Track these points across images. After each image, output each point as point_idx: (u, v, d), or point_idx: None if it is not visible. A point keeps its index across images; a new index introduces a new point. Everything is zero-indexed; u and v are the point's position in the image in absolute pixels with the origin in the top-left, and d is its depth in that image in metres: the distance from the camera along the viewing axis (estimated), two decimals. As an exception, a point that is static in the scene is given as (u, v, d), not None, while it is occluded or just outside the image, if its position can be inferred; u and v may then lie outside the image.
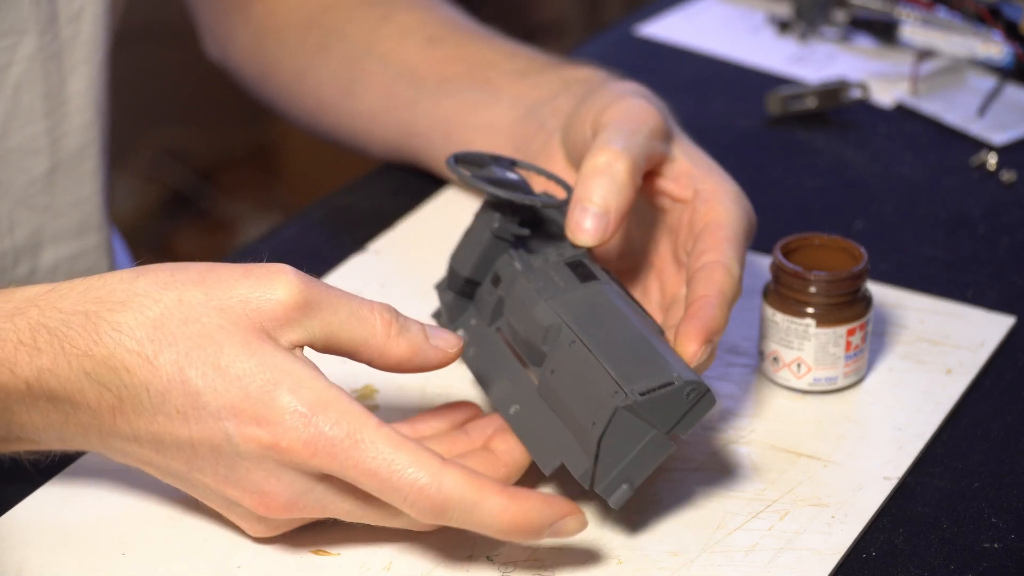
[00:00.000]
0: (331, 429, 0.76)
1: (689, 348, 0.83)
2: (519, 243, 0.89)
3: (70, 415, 0.78)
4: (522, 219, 0.89)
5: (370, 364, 0.81)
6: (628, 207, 0.87)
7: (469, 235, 0.89)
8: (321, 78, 1.14)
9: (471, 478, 0.76)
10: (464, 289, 0.90)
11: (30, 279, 1.04)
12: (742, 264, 0.87)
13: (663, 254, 0.93)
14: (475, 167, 0.89)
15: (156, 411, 0.77)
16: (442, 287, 0.91)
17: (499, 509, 0.76)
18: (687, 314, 0.84)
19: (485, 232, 0.88)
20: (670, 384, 0.78)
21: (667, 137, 0.91)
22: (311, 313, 0.78)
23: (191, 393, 0.76)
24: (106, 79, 1.06)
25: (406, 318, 0.81)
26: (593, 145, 0.89)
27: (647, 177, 0.91)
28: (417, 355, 0.80)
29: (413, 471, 0.75)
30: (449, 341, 0.81)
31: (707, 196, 0.89)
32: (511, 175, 0.89)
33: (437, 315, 0.92)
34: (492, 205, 0.88)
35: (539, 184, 0.96)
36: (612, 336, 0.81)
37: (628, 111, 0.91)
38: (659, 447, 0.79)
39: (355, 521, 0.80)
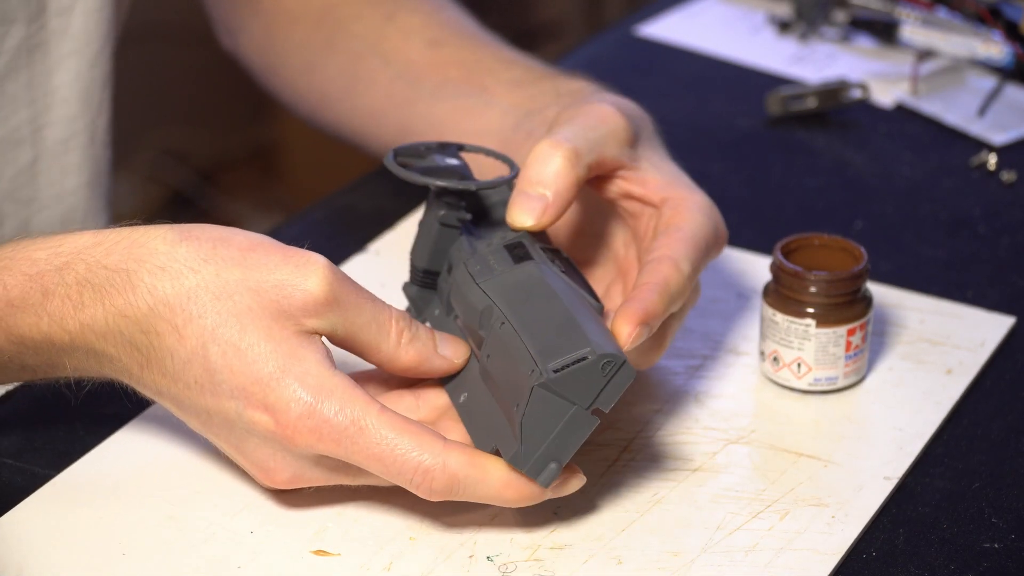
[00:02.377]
0: (335, 416, 0.79)
1: (624, 330, 0.83)
2: (470, 229, 0.89)
3: (105, 364, 0.83)
4: (468, 204, 0.89)
5: (379, 366, 0.85)
6: (568, 195, 0.87)
7: (421, 227, 0.90)
8: (327, 73, 1.15)
9: (473, 455, 0.80)
10: (425, 281, 0.90)
11: None
12: (696, 266, 0.88)
13: (630, 258, 0.93)
14: (416, 158, 0.90)
15: (177, 377, 0.81)
16: (407, 284, 0.92)
17: (502, 483, 0.80)
18: (626, 299, 0.85)
19: (434, 222, 0.89)
20: (583, 359, 0.78)
21: (629, 144, 0.91)
22: (337, 310, 0.81)
23: (210, 369, 0.80)
24: (103, 74, 1.07)
25: (418, 326, 0.84)
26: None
27: (609, 180, 0.91)
28: (423, 364, 0.84)
29: (417, 454, 0.79)
30: (456, 350, 0.85)
31: (675, 203, 0.90)
32: (452, 161, 0.90)
33: (407, 311, 0.92)
34: (436, 194, 0.89)
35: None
36: (538, 314, 0.81)
37: (586, 112, 0.91)
38: (582, 423, 0.79)
39: (360, 484, 0.83)
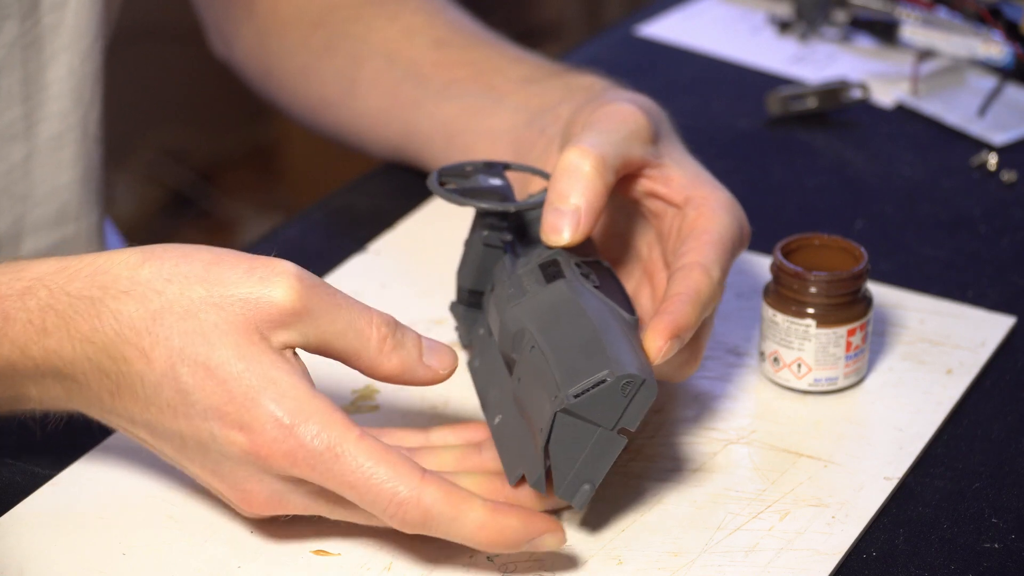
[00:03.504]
0: (312, 440, 0.77)
1: (655, 344, 0.82)
2: (512, 248, 0.89)
3: (73, 391, 0.80)
4: (510, 224, 0.89)
5: (362, 373, 0.81)
6: (599, 204, 0.87)
7: (467, 247, 0.90)
8: (325, 76, 1.14)
9: (451, 492, 0.77)
10: (471, 300, 0.91)
11: None
12: (724, 269, 0.87)
13: (655, 258, 0.93)
14: (460, 178, 0.90)
15: (149, 402, 0.78)
16: (453, 304, 0.92)
17: (476, 525, 0.77)
18: (658, 311, 0.84)
19: (478, 243, 0.89)
20: (603, 382, 0.78)
21: (652, 141, 0.91)
22: (307, 319, 0.79)
23: (181, 391, 0.78)
24: (94, 69, 1.06)
25: (404, 332, 0.81)
26: (566, 145, 0.89)
27: (633, 180, 0.91)
28: (407, 372, 0.81)
29: (392, 484, 0.76)
30: (443, 361, 0.82)
31: (698, 203, 0.89)
32: (495, 181, 0.90)
33: (457, 330, 0.93)
34: (479, 215, 0.89)
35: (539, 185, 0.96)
36: (566, 336, 0.81)
37: (608, 113, 0.90)
38: (610, 444, 0.79)
39: (338, 519, 0.80)
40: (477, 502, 0.77)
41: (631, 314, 0.84)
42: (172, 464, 0.82)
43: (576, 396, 0.78)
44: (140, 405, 0.79)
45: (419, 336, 0.82)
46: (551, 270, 0.86)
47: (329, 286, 0.80)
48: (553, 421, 0.78)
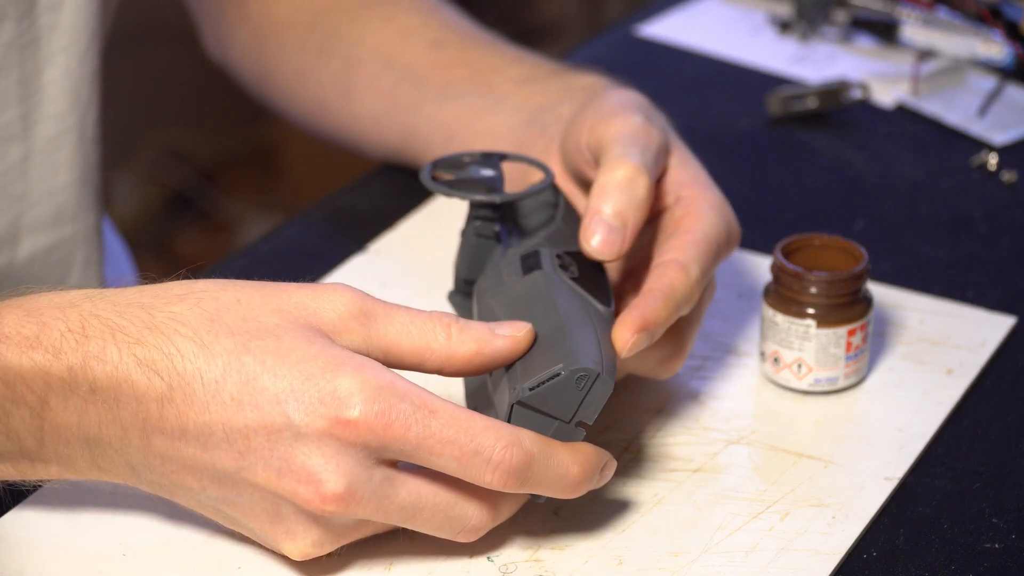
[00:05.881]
0: (402, 402, 0.75)
1: (622, 337, 0.82)
2: (505, 239, 0.89)
3: (111, 410, 0.76)
4: (503, 215, 0.90)
5: (438, 371, 0.80)
6: (643, 224, 0.87)
7: (462, 237, 0.90)
8: (322, 79, 1.14)
9: (536, 432, 0.78)
10: (467, 290, 0.91)
11: (7, 271, 1.05)
12: (705, 268, 0.87)
13: (645, 261, 0.93)
14: (454, 169, 0.90)
15: (209, 400, 0.75)
16: (451, 293, 0.92)
17: (569, 459, 0.78)
18: (630, 305, 0.84)
19: (470, 234, 0.89)
20: (557, 375, 0.78)
21: (668, 153, 0.91)
22: (368, 323, 0.78)
23: (248, 379, 0.75)
24: (91, 70, 1.06)
25: (465, 319, 0.80)
26: (609, 157, 0.88)
27: None
28: (485, 348, 0.79)
29: (492, 432, 0.76)
30: (514, 327, 0.80)
31: (687, 202, 0.89)
32: (487, 171, 0.90)
33: None
34: (471, 206, 0.89)
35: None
36: (536, 329, 0.81)
37: (636, 129, 0.90)
38: (567, 437, 0.79)
39: (405, 524, 0.78)
40: (554, 439, 0.78)
41: (607, 307, 0.85)
42: (214, 510, 0.78)
43: (531, 389, 0.78)
44: (197, 407, 0.75)
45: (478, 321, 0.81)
46: (530, 261, 0.86)
47: (381, 299, 0.79)
48: (510, 413, 0.78)
